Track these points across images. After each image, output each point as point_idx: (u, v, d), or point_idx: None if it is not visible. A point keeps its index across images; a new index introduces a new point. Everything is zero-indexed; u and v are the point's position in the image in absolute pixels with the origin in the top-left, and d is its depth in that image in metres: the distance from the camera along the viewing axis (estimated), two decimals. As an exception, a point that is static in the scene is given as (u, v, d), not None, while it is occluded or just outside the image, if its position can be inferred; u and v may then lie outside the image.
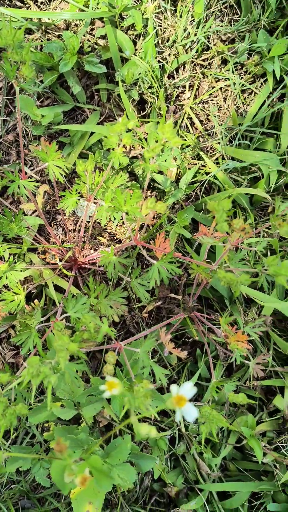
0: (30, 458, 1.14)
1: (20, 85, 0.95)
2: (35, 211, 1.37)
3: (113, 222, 1.37)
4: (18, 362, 1.31)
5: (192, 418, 0.53)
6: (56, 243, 1.33)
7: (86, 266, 1.33)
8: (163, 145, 0.92)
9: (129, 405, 0.66)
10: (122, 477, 0.87)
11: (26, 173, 1.19)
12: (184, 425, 1.28)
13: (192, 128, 1.38)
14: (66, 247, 1.29)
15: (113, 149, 0.98)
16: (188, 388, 0.54)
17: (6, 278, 1.05)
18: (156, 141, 1.25)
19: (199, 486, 1.27)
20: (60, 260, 1.30)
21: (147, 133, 1.37)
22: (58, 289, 1.32)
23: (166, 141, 0.93)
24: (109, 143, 0.93)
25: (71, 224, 1.39)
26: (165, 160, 1.00)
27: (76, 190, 1.12)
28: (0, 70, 1.41)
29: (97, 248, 1.37)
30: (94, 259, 1.34)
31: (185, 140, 1.33)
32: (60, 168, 1.05)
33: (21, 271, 1.16)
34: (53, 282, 1.29)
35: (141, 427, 0.54)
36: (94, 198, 1.16)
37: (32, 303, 1.17)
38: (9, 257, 1.06)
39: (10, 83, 1.39)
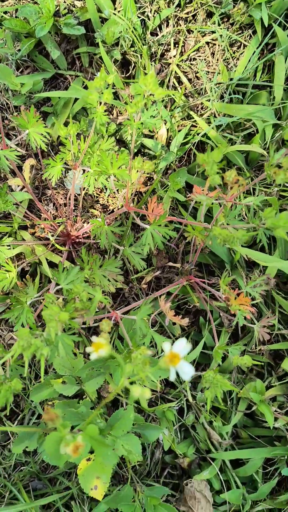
0: (36, 438, 1.12)
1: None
2: (23, 187, 1.32)
3: (105, 192, 1.32)
4: (18, 342, 1.27)
5: (188, 376, 0.49)
6: (47, 219, 1.28)
7: (80, 240, 1.28)
8: (147, 99, 0.87)
9: (123, 370, 0.62)
10: (127, 448, 0.84)
11: (8, 145, 1.14)
12: (192, 394, 1.25)
13: (180, 87, 1.32)
14: (58, 222, 1.25)
15: (94, 107, 0.92)
16: (182, 345, 0.49)
17: (-5, 254, 1.00)
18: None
19: (211, 455, 1.25)
20: (52, 236, 1.26)
21: (133, 96, 1.30)
22: (53, 265, 1.28)
23: (150, 94, 0.87)
24: (89, 101, 0.87)
25: (61, 198, 1.34)
26: (154, 117, 0.94)
27: (61, 159, 1.07)
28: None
29: (90, 221, 1.32)
30: (88, 233, 1.30)
31: (172, 96, 1.26)
32: (41, 135, 0.99)
33: (11, 247, 1.12)
34: (47, 259, 1.25)
35: (134, 388, 0.50)
36: (83, 168, 1.11)
37: (24, 280, 1.13)
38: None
39: (-13, 54, 1.33)
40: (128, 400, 1.18)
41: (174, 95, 1.27)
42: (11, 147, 1.19)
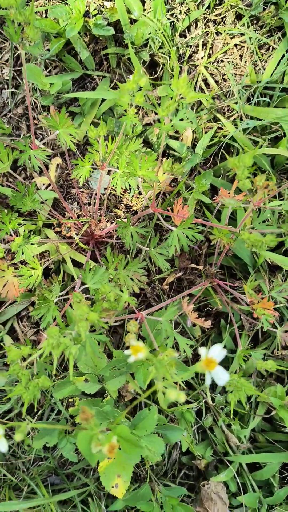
0: (57, 434, 1.13)
1: (25, 49, 0.90)
2: (48, 185, 1.33)
3: (129, 193, 1.33)
4: (40, 339, 1.29)
5: (223, 381, 0.49)
6: (71, 217, 1.29)
7: (103, 239, 1.29)
8: (178, 102, 0.87)
9: (155, 372, 0.62)
10: (150, 449, 0.85)
11: (36, 144, 1.15)
12: (211, 397, 1.26)
13: (207, 89, 1.32)
14: (82, 221, 1.26)
15: (125, 111, 0.93)
16: (217, 350, 0.50)
17: (22, 253, 1.02)
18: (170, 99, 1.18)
19: (229, 458, 1.25)
20: (77, 235, 1.27)
21: (160, 98, 1.31)
22: (76, 264, 1.29)
23: (181, 98, 0.87)
24: (120, 104, 0.88)
25: (86, 198, 1.35)
26: (181, 119, 0.94)
27: (89, 159, 1.08)
28: (6, 41, 1.36)
29: (113, 221, 1.33)
30: (111, 232, 1.30)
31: (201, 98, 1.27)
32: (71, 135, 1.00)
33: (36, 245, 1.13)
34: (70, 257, 1.26)
35: (169, 392, 0.50)
36: (109, 168, 1.12)
37: (50, 278, 1.15)
38: (24, 231, 1.03)
39: (17, 54, 1.34)
40: (148, 401, 1.19)
41: (203, 100, 1.27)
42: (40, 147, 1.21)
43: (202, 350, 0.50)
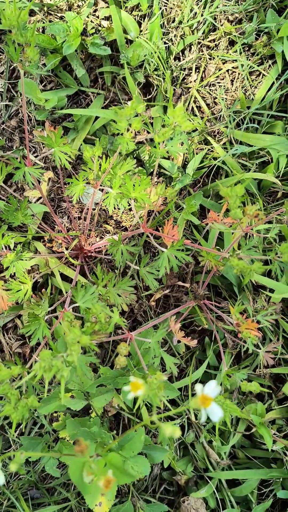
0: (40, 449, 1.13)
1: (24, 68, 0.91)
2: (39, 198, 1.34)
3: (119, 209, 1.35)
4: (25, 352, 1.29)
5: (218, 417, 0.51)
6: (61, 231, 1.30)
7: (92, 254, 1.30)
8: (174, 130, 0.89)
9: (143, 395, 0.64)
10: (136, 470, 0.86)
11: (31, 159, 1.16)
12: (194, 413, 1.28)
13: (199, 111, 1.35)
14: (72, 235, 1.27)
15: (121, 134, 0.95)
16: (212, 387, 0.52)
17: (14, 267, 1.02)
18: (163, 126, 1.22)
19: (209, 474, 1.27)
20: (66, 249, 1.28)
21: (152, 118, 1.33)
22: (64, 277, 1.30)
23: (176, 125, 0.89)
24: (117, 128, 0.90)
25: (76, 212, 1.36)
26: (171, 146, 0.97)
27: (83, 177, 1.09)
28: (2, 53, 1.36)
29: (103, 236, 1.35)
30: (100, 247, 1.32)
31: (193, 124, 1.30)
32: (66, 154, 1.02)
33: (27, 260, 1.14)
34: (59, 271, 1.27)
35: (165, 427, 0.52)
36: (100, 185, 1.13)
37: (39, 293, 1.15)
38: (15, 246, 1.04)
39: (12, 66, 1.35)
40: (132, 416, 1.21)
41: (193, 120, 1.30)
42: (34, 162, 1.22)
43: (197, 387, 0.52)
